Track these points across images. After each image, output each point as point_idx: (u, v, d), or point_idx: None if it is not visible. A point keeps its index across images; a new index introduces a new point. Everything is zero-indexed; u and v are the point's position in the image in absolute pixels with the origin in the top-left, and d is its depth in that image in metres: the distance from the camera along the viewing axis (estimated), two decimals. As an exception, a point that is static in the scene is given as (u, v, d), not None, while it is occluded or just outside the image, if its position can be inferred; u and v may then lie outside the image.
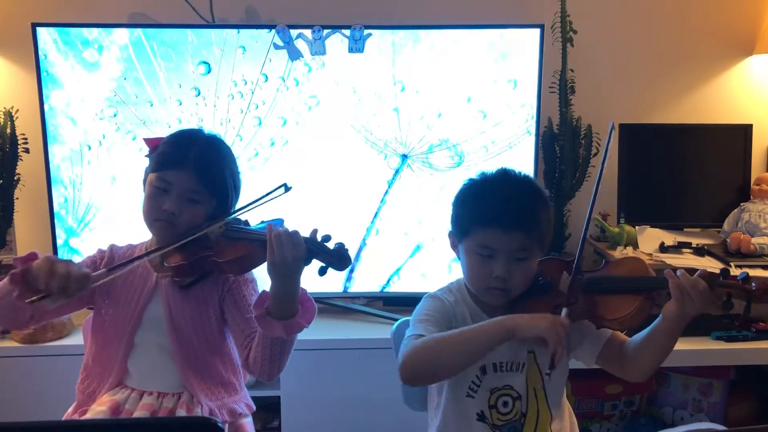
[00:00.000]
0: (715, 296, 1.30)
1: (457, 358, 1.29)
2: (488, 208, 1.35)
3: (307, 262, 1.39)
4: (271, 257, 1.36)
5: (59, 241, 2.32)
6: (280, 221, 1.49)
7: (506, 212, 1.33)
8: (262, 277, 1.50)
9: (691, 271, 1.34)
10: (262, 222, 1.55)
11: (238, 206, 1.58)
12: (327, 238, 1.40)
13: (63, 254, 2.32)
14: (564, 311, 1.29)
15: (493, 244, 1.34)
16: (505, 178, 1.41)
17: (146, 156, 1.58)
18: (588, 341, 1.44)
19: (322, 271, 1.40)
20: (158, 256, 1.55)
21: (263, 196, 1.52)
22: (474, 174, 1.44)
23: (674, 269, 2.13)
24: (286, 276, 1.38)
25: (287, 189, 1.53)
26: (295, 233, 1.38)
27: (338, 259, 1.39)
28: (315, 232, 1.41)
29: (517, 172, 1.43)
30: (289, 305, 1.40)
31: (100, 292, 1.56)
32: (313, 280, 1.43)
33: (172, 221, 1.48)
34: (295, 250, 1.35)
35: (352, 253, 2.30)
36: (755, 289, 1.30)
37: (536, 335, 1.23)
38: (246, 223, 1.56)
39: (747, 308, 1.32)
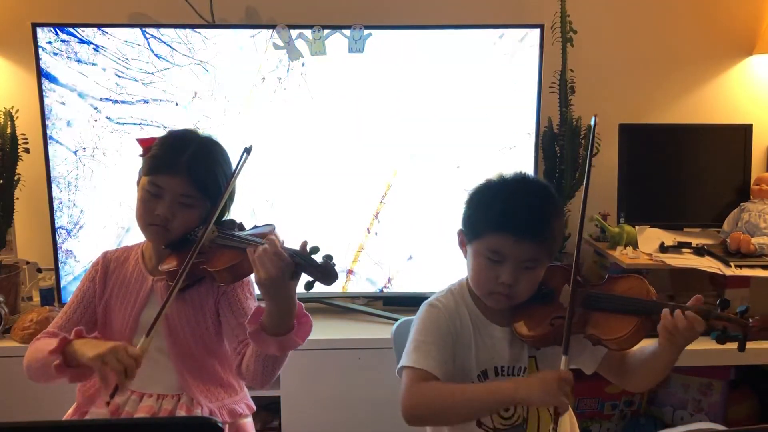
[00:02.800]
0: (710, 327, 1.28)
1: (461, 416, 1.32)
2: (502, 214, 1.33)
3: (295, 276, 1.33)
4: (257, 276, 1.32)
5: (59, 241, 2.32)
6: (272, 227, 1.47)
7: (520, 220, 1.32)
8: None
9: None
10: (255, 227, 1.53)
11: (232, 204, 1.58)
12: (315, 250, 1.34)
13: (61, 257, 2.33)
14: (564, 359, 1.27)
15: (503, 251, 1.32)
16: (522, 184, 1.39)
17: (139, 156, 1.56)
18: (588, 352, 1.43)
19: (308, 286, 1.33)
20: (154, 260, 1.55)
21: (234, 170, 1.50)
22: (490, 176, 1.41)
23: (675, 270, 2.16)
24: (278, 292, 1.33)
25: (249, 151, 1.50)
26: (277, 250, 1.31)
27: (324, 273, 1.32)
28: (304, 244, 1.35)
29: (534, 178, 1.42)
30: (284, 321, 1.36)
31: (99, 300, 1.56)
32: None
33: (165, 226, 1.46)
34: (277, 265, 1.29)
35: (351, 253, 2.36)
36: (752, 325, 1.29)
37: (544, 404, 1.26)
38: (240, 226, 1.54)
39: (743, 342, 1.31)
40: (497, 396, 1.27)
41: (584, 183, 1.43)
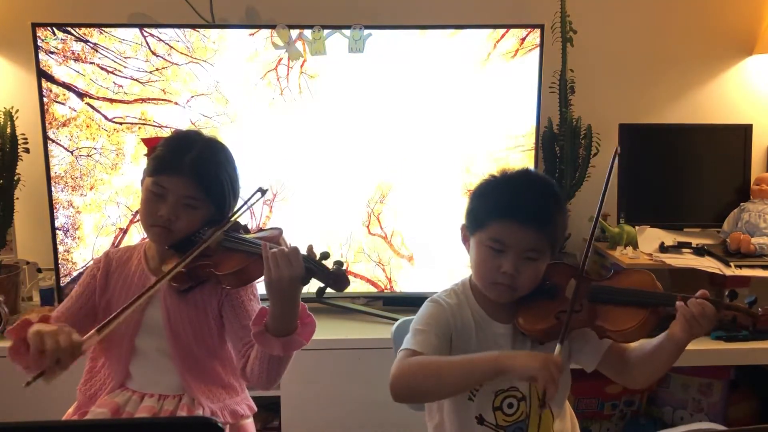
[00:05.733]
0: (721, 318, 1.29)
1: (446, 386, 1.29)
2: (506, 202, 1.35)
3: (306, 281, 1.33)
4: (268, 276, 1.32)
5: (58, 241, 2.32)
6: (279, 231, 1.46)
7: (523, 208, 1.34)
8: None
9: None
10: (262, 230, 1.53)
11: (236, 206, 1.56)
12: (325, 255, 1.35)
13: (60, 258, 2.33)
14: (557, 348, 1.26)
15: (506, 239, 1.34)
16: (526, 176, 1.43)
17: (144, 155, 1.56)
18: (589, 347, 1.44)
19: (320, 292, 1.34)
20: (157, 260, 1.54)
21: (242, 206, 1.51)
22: (494, 171, 1.43)
23: (675, 270, 2.16)
24: (285, 295, 1.33)
25: (263, 193, 1.52)
26: (294, 251, 1.31)
27: (336, 279, 1.33)
28: (312, 249, 1.36)
29: (537, 172, 1.45)
30: (288, 322, 1.37)
31: (100, 298, 1.56)
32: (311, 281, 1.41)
33: (169, 227, 1.46)
34: (292, 270, 1.30)
35: (351, 254, 2.36)
36: (761, 314, 1.30)
37: (528, 376, 1.21)
38: (246, 229, 1.53)
39: (752, 332, 1.32)
40: (479, 363, 1.26)
41: (605, 181, 1.44)
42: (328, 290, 1.37)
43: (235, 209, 1.53)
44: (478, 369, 1.26)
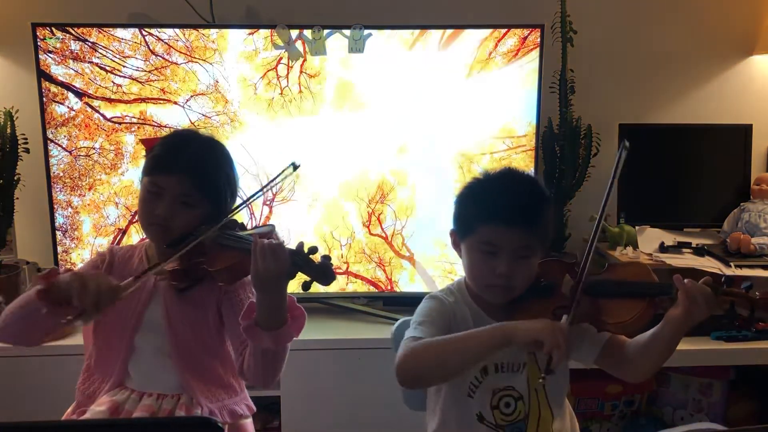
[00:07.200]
0: (718, 303, 1.29)
1: (453, 363, 1.29)
2: (493, 205, 1.36)
3: (292, 275, 1.34)
4: (254, 268, 1.32)
5: (57, 242, 2.32)
6: (272, 227, 1.46)
7: (511, 208, 1.35)
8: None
9: (693, 272, 1.33)
10: (256, 227, 1.53)
11: (234, 204, 1.57)
12: (313, 250, 1.35)
13: (60, 259, 2.33)
14: (564, 317, 1.27)
15: (497, 241, 1.35)
16: (509, 176, 1.43)
17: (144, 156, 1.56)
18: (587, 343, 1.45)
19: (306, 286, 1.34)
20: (157, 259, 1.54)
21: (274, 178, 1.52)
22: (477, 173, 1.45)
23: (675, 270, 2.16)
24: (271, 287, 1.34)
25: (296, 167, 1.52)
26: (280, 246, 1.32)
27: (322, 274, 1.33)
28: (301, 244, 1.35)
29: (520, 170, 1.46)
30: (276, 315, 1.37)
31: None
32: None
33: (166, 225, 1.46)
34: (278, 263, 1.30)
35: (352, 254, 2.36)
36: (759, 299, 1.30)
37: (533, 338, 1.22)
38: (242, 226, 1.53)
39: (750, 317, 1.31)
40: (483, 335, 1.26)
41: (603, 203, 1.46)
42: (325, 288, 1.37)
43: (259, 189, 1.56)
44: (483, 341, 1.26)
